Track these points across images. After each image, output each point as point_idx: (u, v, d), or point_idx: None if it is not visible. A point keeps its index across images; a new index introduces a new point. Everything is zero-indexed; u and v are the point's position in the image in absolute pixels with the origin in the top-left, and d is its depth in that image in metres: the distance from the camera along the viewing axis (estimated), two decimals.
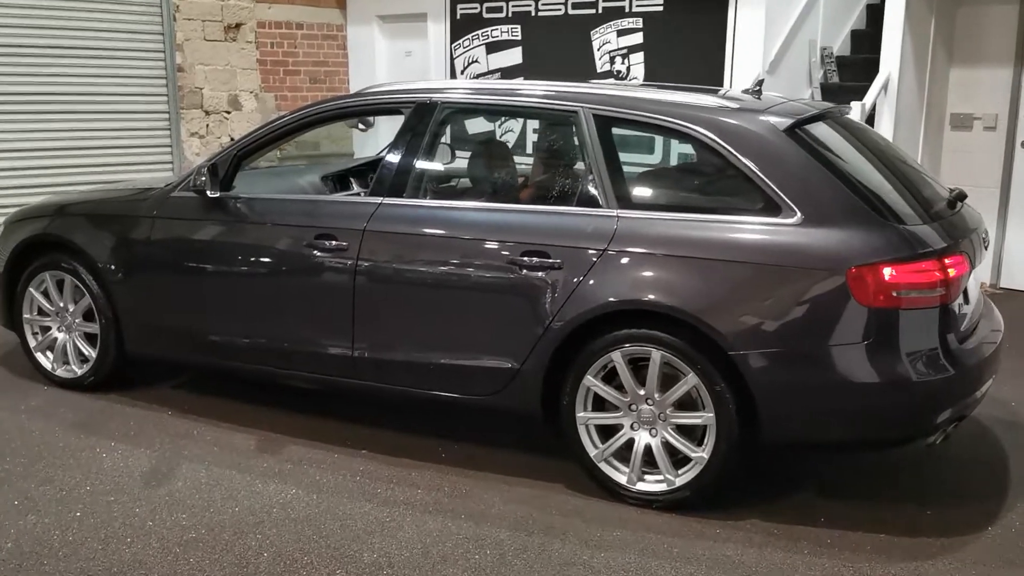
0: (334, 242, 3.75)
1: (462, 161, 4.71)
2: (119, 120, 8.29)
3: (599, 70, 7.89)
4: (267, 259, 3.93)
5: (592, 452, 3.44)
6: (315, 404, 4.31)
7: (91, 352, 4.44)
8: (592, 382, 3.39)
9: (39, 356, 4.59)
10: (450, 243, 3.59)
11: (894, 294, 3.03)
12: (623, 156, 3.55)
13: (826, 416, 3.16)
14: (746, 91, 3.89)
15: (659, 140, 6.47)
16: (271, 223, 3.94)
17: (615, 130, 3.54)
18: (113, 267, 4.26)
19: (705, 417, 3.24)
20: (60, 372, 4.54)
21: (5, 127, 7.62)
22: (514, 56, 8.52)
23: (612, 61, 7.79)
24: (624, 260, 3.32)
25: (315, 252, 3.79)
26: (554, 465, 3.70)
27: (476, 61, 8.83)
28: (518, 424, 3.84)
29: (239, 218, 4.02)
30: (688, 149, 3.89)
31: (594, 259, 3.34)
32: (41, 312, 4.56)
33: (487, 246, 3.52)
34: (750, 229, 3.22)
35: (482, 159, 4.26)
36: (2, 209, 6.90)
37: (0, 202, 7.21)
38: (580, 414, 3.44)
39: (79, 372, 4.48)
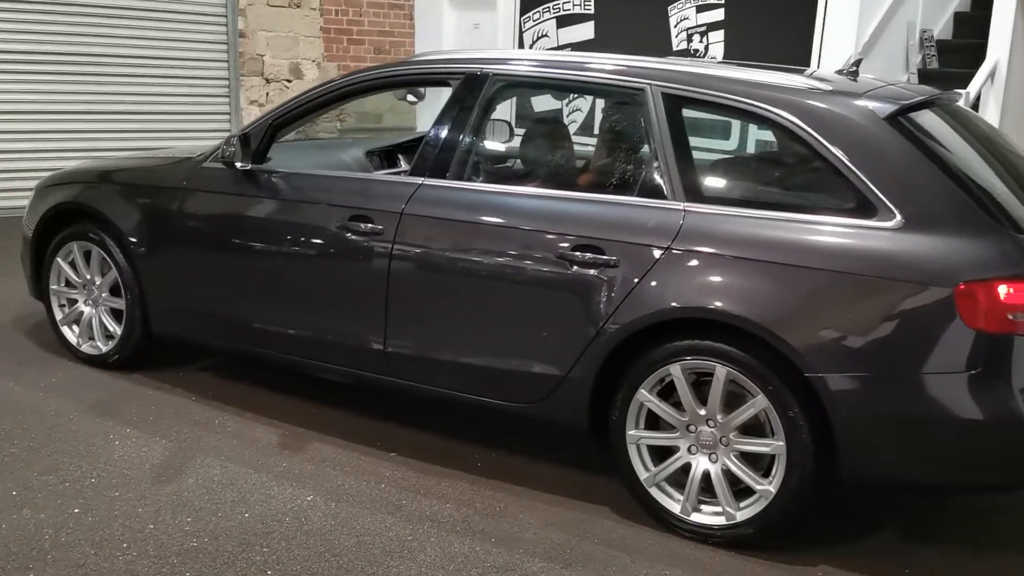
0: (369, 225, 3.41)
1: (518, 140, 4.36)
2: (176, 85, 8.10)
3: (675, 48, 7.41)
4: (297, 240, 3.60)
5: (643, 475, 3.05)
6: (348, 397, 3.99)
7: (116, 329, 4.19)
8: (646, 397, 2.99)
9: (64, 330, 4.36)
10: (494, 231, 3.22)
11: (1009, 317, 2.56)
12: (694, 142, 3.13)
13: (918, 454, 2.71)
14: (840, 72, 3.42)
15: (736, 125, 6.02)
16: (302, 200, 3.61)
17: (686, 111, 3.11)
18: (140, 240, 3.99)
19: (774, 445, 2.82)
20: (85, 348, 4.31)
21: (58, 88, 7.48)
22: (586, 31, 8.08)
23: (690, 39, 7.30)
24: (690, 261, 2.90)
25: (348, 235, 3.45)
26: (600, 484, 3.32)
27: (546, 35, 8.41)
28: (563, 435, 3.46)
29: (269, 193, 3.70)
30: (769, 136, 3.45)
31: (655, 258, 2.93)
32: (68, 284, 4.33)
33: (534, 237, 3.14)
34: (839, 232, 2.77)
35: (536, 139, 3.86)
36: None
37: (52, 165, 7.06)
38: (631, 432, 3.04)
39: (104, 349, 4.24)
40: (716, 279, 2.88)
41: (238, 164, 3.71)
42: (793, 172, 3.13)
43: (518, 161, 3.83)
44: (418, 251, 3.34)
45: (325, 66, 9.13)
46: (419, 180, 3.40)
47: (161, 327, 4.08)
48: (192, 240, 3.89)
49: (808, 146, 2.86)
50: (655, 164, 3.07)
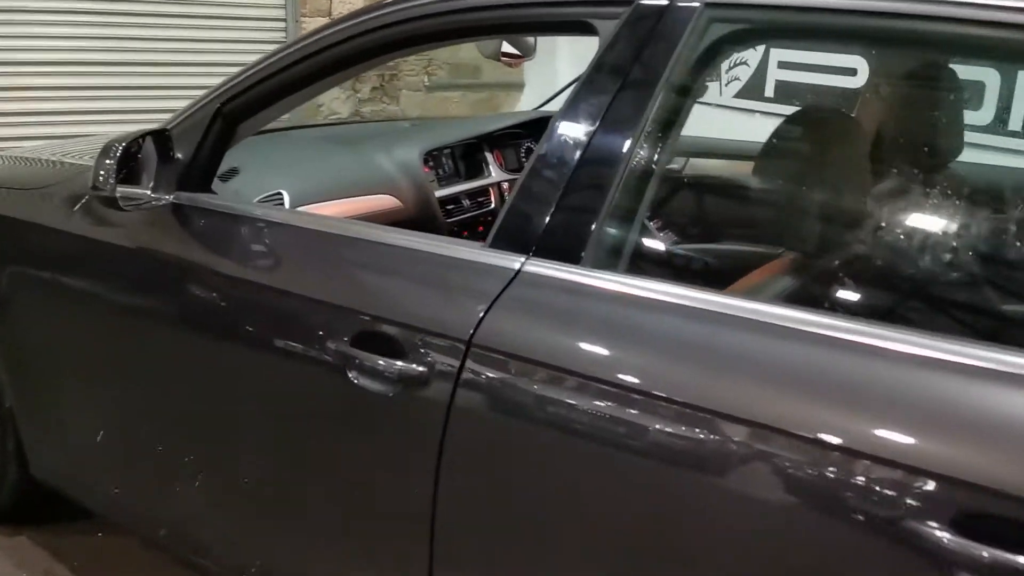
0: (397, 363, 1.43)
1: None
2: (215, 29, 6.29)
3: None
4: (252, 370, 1.68)
5: None
6: None
7: None
8: None
9: None
10: (719, 430, 1.18)
11: None
12: None
13: None
14: None
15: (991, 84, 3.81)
16: (261, 285, 1.67)
17: None
18: (5, 320, 2.15)
19: None
20: None
21: (64, 32, 5.79)
22: None
23: None
24: None
25: (352, 377, 1.49)
26: None
27: None
28: None
29: (203, 258, 1.76)
30: None
31: None
32: None
33: (822, 452, 1.10)
34: None
35: (803, 158, 1.64)
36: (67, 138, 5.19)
37: (60, 132, 5.43)
38: None
39: None
40: None
41: (144, 194, 1.79)
42: None
43: (754, 214, 1.71)
44: (507, 435, 1.36)
45: None
46: (516, 260, 1.40)
47: (45, 473, 2.24)
48: (80, 333, 2.01)
49: None
50: None
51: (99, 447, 2.04)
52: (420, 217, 2.39)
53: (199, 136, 1.83)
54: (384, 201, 2.30)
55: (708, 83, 1.46)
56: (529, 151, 2.89)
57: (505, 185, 2.68)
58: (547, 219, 1.40)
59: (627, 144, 1.36)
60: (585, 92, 1.42)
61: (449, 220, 2.49)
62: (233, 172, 2.04)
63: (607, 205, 1.35)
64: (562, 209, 1.39)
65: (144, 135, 1.80)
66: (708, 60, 1.40)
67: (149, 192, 1.80)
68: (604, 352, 1.30)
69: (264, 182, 2.04)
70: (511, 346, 1.35)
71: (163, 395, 1.85)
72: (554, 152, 1.42)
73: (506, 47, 2.42)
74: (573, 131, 1.41)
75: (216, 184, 1.95)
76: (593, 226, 1.36)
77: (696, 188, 1.82)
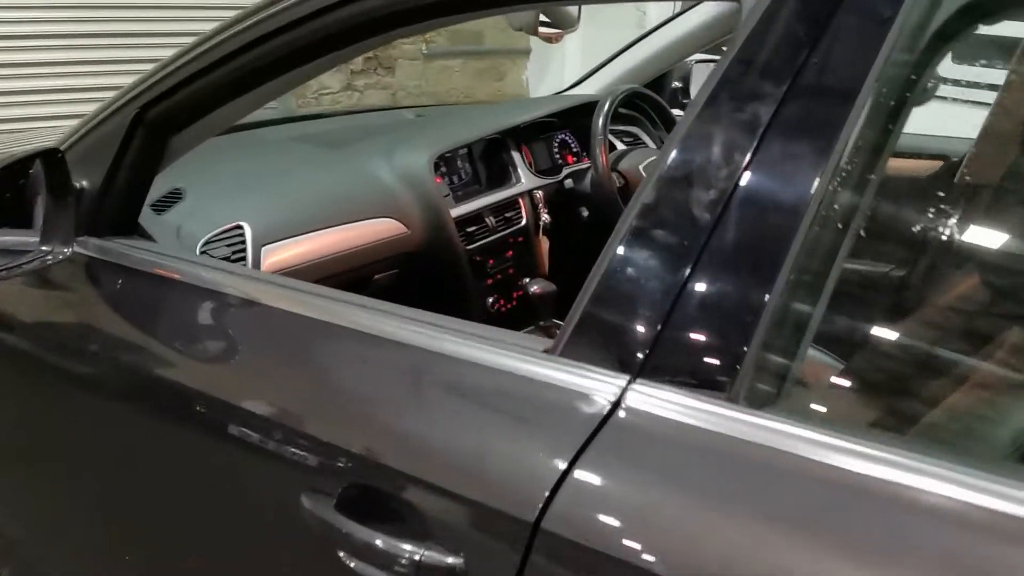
0: (408, 547, 0.87)
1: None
2: None
3: None
4: (189, 529, 1.11)
5: None
6: None
7: None
8: None
9: None
10: None
11: None
12: None
13: None
14: None
15: None
16: (196, 395, 1.09)
17: None
18: None
19: None
20: None
21: (35, 2, 5.21)
22: None
23: None
24: None
25: (344, 558, 0.93)
26: None
27: None
28: None
29: (110, 348, 1.18)
30: None
31: None
32: None
33: None
34: None
35: None
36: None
37: (39, 112, 4.90)
38: None
39: None
40: None
41: (30, 244, 1.22)
42: None
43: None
44: None
45: None
46: (612, 383, 0.82)
47: None
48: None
49: None
50: None
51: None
52: (431, 244, 1.81)
53: (111, 155, 1.24)
54: (383, 227, 1.71)
55: (951, 77, 0.87)
56: (564, 145, 2.29)
57: (538, 194, 2.08)
58: (665, 316, 0.81)
59: (811, 185, 0.77)
60: (725, 97, 0.83)
61: (470, 247, 1.90)
62: (175, 197, 1.46)
63: (776, 293, 0.77)
64: (692, 299, 0.81)
65: (26, 158, 1.21)
66: (948, 39, 0.81)
67: (36, 241, 1.21)
68: (783, 565, 0.72)
69: (217, 211, 1.46)
70: (610, 543, 0.78)
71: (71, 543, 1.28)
72: (674, 198, 0.84)
73: (544, 19, 1.81)
74: (707, 164, 0.82)
75: (148, 216, 1.37)
76: (752, 331, 0.77)
77: (943, 264, 1.13)
